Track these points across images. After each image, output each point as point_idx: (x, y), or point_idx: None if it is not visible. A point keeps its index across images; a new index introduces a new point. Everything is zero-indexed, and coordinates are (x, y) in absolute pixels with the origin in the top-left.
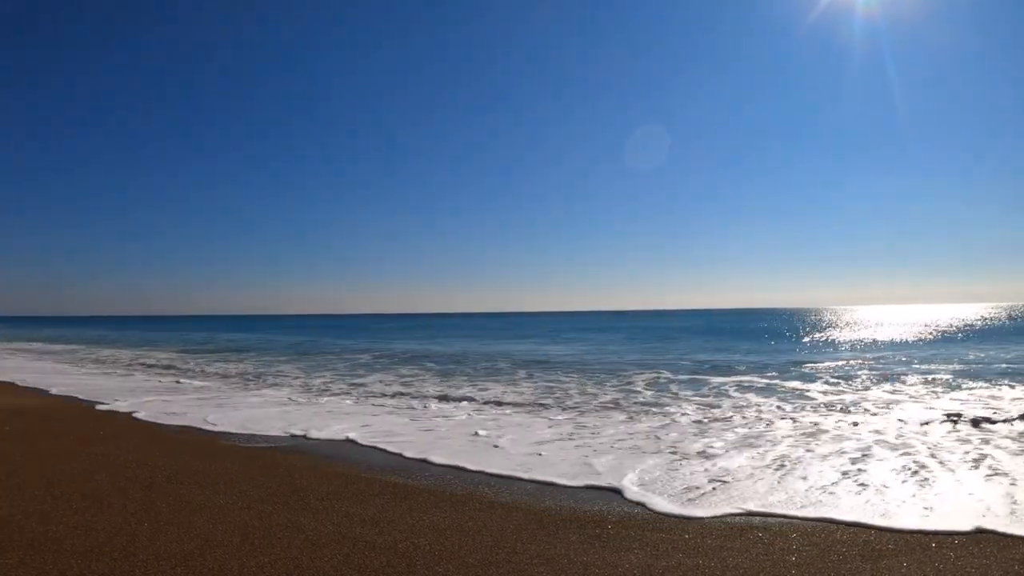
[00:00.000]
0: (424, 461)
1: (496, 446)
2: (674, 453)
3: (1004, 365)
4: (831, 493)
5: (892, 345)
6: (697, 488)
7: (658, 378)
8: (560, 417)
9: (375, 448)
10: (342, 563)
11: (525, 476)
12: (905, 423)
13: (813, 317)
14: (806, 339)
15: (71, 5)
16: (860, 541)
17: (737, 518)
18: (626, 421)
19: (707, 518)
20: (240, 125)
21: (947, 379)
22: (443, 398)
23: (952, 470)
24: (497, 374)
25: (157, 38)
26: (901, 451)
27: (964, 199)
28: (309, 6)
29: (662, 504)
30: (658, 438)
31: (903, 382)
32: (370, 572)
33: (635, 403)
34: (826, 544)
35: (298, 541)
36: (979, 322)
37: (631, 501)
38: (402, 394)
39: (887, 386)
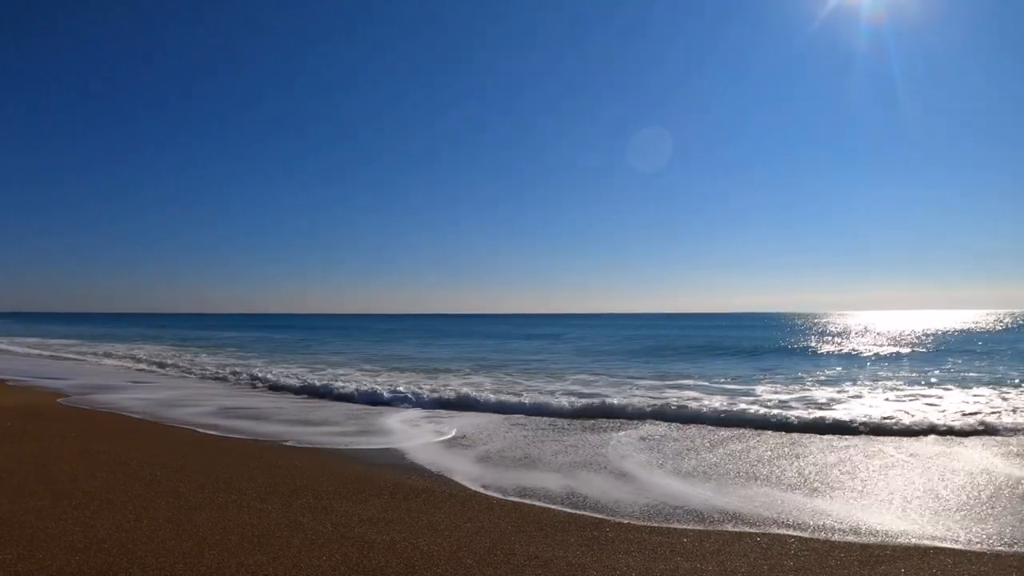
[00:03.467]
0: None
1: None
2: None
3: (974, 373)
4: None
5: (879, 359)
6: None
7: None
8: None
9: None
10: (340, 563)
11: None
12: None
13: (818, 322)
14: (794, 348)
15: (83, 10)
16: (858, 546)
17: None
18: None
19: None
20: (253, 128)
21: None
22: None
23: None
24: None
25: (160, 40)
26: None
27: (972, 204)
28: (319, 6)
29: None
30: None
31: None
32: (368, 572)
33: None
34: (824, 549)
35: (296, 540)
36: (979, 329)
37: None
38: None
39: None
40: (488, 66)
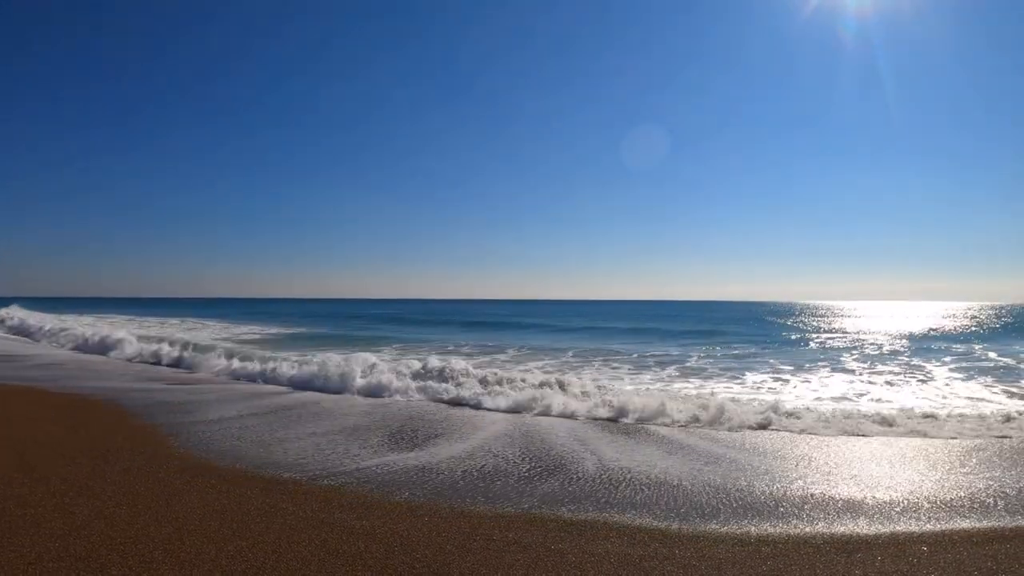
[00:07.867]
0: None
1: None
2: None
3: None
4: None
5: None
6: None
7: None
8: None
9: None
10: (319, 548)
11: None
12: None
13: (794, 311)
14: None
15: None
16: (836, 534)
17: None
18: None
19: None
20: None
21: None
22: None
23: None
24: None
25: (146, 37)
26: None
27: (956, 195)
28: (319, 5)
29: None
30: None
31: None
32: (347, 557)
33: None
34: (801, 537)
35: (276, 525)
36: (964, 321)
37: None
38: None
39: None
40: (491, 65)
